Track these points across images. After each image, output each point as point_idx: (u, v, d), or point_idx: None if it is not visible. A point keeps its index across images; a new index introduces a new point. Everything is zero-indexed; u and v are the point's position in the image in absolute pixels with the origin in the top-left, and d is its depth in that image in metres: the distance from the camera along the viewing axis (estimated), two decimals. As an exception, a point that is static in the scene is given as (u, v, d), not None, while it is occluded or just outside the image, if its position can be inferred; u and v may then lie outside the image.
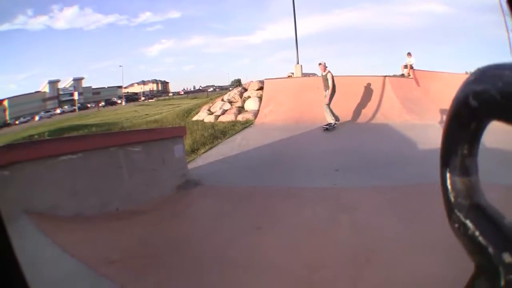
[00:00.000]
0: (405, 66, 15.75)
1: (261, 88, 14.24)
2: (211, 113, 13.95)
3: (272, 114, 12.29)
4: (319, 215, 3.82)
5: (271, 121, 11.64)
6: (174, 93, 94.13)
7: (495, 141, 6.12)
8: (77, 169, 3.81)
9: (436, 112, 9.64)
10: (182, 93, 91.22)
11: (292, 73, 17.13)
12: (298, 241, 3.16)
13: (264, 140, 8.72)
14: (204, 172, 6.02)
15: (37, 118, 63.06)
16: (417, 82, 14.10)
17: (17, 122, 62.20)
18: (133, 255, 2.88)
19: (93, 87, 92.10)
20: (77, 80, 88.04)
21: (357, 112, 11.48)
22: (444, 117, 0.47)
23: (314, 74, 17.02)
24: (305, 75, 16.63)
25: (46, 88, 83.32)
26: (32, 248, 2.56)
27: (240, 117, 12.61)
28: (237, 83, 42.08)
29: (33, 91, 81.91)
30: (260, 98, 13.64)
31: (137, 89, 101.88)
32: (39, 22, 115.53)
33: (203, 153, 7.93)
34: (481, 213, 0.43)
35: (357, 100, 11.86)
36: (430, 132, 7.45)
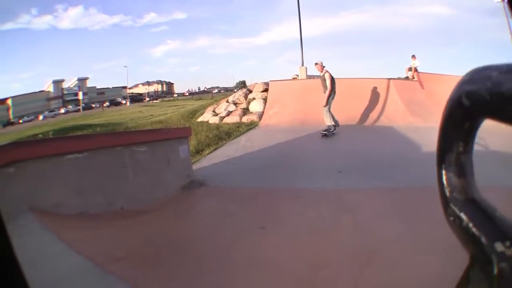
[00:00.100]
0: (410, 69, 15.76)
1: (266, 90, 14.28)
2: (216, 115, 14.00)
3: (276, 116, 12.31)
4: (322, 216, 3.83)
5: (276, 123, 11.65)
6: (178, 94, 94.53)
7: (498, 144, 6.19)
8: (83, 168, 3.84)
9: (440, 115, 9.47)
10: (187, 94, 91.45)
11: (297, 75, 17.13)
12: (302, 241, 3.17)
13: (268, 141, 8.73)
14: (209, 173, 6.04)
15: (41, 117, 63.31)
16: (421, 85, 14.08)
17: (20, 121, 62.54)
18: (139, 253, 2.89)
19: (97, 87, 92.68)
20: (82, 80, 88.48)
21: (361, 114, 11.47)
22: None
23: (319, 76, 17.00)
24: (310, 77, 16.61)
25: (50, 88, 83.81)
26: (37, 245, 2.58)
27: (244, 119, 12.66)
28: (242, 84, 42.11)
29: (37, 90, 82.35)
30: (265, 100, 13.67)
31: (142, 89, 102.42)
32: (43, 21, 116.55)
33: (208, 154, 7.96)
34: (475, 206, 0.45)
35: (362, 102, 11.84)
36: (434, 135, 7.25)
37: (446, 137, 0.48)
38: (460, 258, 0.49)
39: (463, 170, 0.47)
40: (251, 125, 11.70)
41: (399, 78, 16.02)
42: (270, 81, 14.49)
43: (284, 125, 11.09)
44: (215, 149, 8.40)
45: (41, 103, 76.61)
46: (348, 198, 4.43)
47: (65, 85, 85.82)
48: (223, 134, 10.14)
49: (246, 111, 13.59)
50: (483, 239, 0.41)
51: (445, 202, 0.48)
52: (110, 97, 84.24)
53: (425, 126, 9.05)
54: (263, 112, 12.97)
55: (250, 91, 15.24)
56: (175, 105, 40.90)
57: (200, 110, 16.45)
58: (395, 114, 11.10)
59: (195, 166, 6.30)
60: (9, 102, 72.27)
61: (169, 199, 4.61)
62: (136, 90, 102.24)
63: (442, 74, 14.09)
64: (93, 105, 74.29)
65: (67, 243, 2.60)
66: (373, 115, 11.42)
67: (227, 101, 15.15)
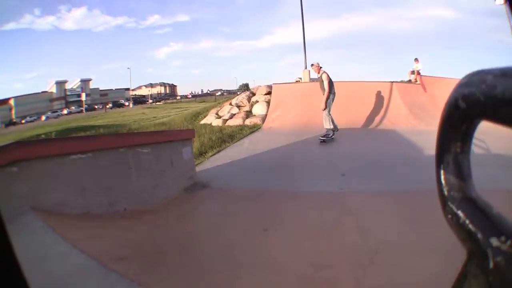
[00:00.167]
0: (412, 72, 15.76)
1: (269, 93, 14.29)
2: (219, 117, 14.01)
3: (279, 118, 12.32)
4: (324, 218, 3.83)
5: (279, 126, 11.65)
6: (181, 96, 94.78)
7: (500, 147, 6.20)
8: (86, 168, 3.85)
9: (442, 118, 9.47)
10: (190, 96, 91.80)
11: (300, 78, 17.18)
12: (304, 243, 3.17)
13: (271, 144, 8.74)
14: (212, 175, 6.06)
15: (43, 118, 63.38)
16: (424, 88, 14.10)
17: (23, 121, 62.65)
18: (142, 252, 2.90)
19: (100, 88, 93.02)
20: (85, 81, 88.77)
21: (364, 117, 11.44)
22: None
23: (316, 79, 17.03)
24: (313, 80, 16.63)
25: (53, 88, 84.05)
26: (40, 243, 2.60)
27: (248, 121, 12.68)
28: (245, 87, 42.17)
29: (40, 91, 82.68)
30: (268, 102, 13.68)
31: (144, 91, 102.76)
32: (46, 22, 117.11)
33: (211, 156, 7.98)
34: (472, 204, 0.47)
35: (365, 106, 11.82)
36: (436, 138, 7.40)
37: (444, 138, 0.50)
38: (461, 258, 0.51)
39: (460, 170, 0.49)
40: (254, 128, 11.72)
41: (402, 82, 16.04)
42: (273, 84, 14.51)
43: (287, 128, 11.08)
44: (218, 152, 8.42)
45: (43, 104, 76.87)
46: (351, 200, 4.43)
47: (68, 86, 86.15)
48: (226, 136, 10.17)
49: (249, 113, 13.61)
50: (479, 235, 0.43)
51: (444, 200, 0.50)
52: (113, 99, 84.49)
53: (428, 129, 9.03)
54: (266, 115, 12.98)
55: (254, 94, 15.26)
56: (178, 107, 40.96)
57: (203, 113, 16.48)
58: (398, 118, 11.08)
59: (198, 168, 6.32)
60: (12, 102, 72.51)
61: (172, 200, 4.63)
62: (139, 92, 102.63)
63: (444, 77, 14.07)
64: (96, 107, 74.51)
65: (70, 242, 2.61)
66: (376, 118, 11.41)
67: (231, 104, 15.18)
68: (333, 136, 8.97)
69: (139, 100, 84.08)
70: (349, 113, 10.88)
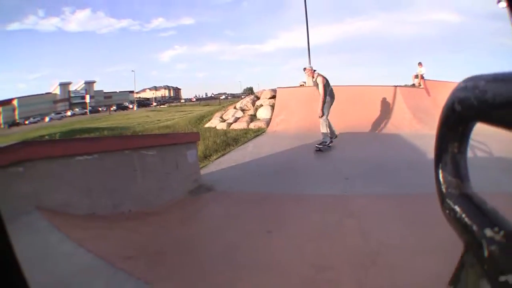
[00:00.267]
0: (416, 76, 15.77)
1: (273, 97, 14.34)
2: (224, 121, 14.07)
3: (284, 122, 12.35)
4: (327, 220, 3.84)
5: (283, 130, 11.69)
6: (186, 100, 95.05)
7: (502, 150, 6.19)
8: (92, 170, 3.87)
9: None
10: (194, 100, 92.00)
11: (304, 82, 17.16)
12: (307, 245, 3.19)
13: (276, 148, 8.76)
14: (216, 178, 6.08)
15: (47, 119, 63.56)
16: (427, 92, 14.09)
17: (26, 122, 62.82)
18: (147, 253, 2.92)
19: (104, 91, 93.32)
20: (89, 83, 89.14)
21: (368, 121, 11.43)
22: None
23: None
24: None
25: (57, 90, 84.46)
26: (45, 242, 2.61)
27: (252, 125, 12.73)
28: (250, 91, 42.24)
29: (43, 92, 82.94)
30: (273, 106, 13.73)
31: (149, 94, 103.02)
32: (50, 23, 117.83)
33: (216, 159, 8.00)
34: (468, 200, 0.51)
35: (369, 110, 11.81)
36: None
37: (443, 139, 0.55)
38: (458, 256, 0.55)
39: (458, 168, 0.54)
40: (259, 132, 11.74)
41: (405, 86, 16.03)
42: (278, 88, 14.54)
43: (292, 132, 11.11)
44: (223, 155, 8.44)
45: (47, 105, 77.21)
46: (354, 203, 4.45)
47: (72, 88, 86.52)
48: (231, 140, 10.19)
49: (253, 117, 13.66)
50: (475, 227, 0.47)
51: (442, 197, 0.55)
52: (117, 101, 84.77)
53: (431, 133, 8.86)
54: (270, 118, 13.03)
55: (258, 98, 15.32)
56: (182, 111, 41.09)
57: (208, 116, 16.55)
58: (402, 122, 11.09)
59: (203, 171, 6.34)
60: (15, 102, 72.82)
61: (177, 202, 4.65)
62: (143, 95, 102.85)
63: (448, 81, 14.06)
64: (100, 109, 74.78)
65: (76, 241, 2.63)
66: (380, 122, 11.41)
67: (235, 108, 15.24)
68: (330, 144, 8.44)
69: (143, 103, 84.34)
70: (353, 117, 10.90)
